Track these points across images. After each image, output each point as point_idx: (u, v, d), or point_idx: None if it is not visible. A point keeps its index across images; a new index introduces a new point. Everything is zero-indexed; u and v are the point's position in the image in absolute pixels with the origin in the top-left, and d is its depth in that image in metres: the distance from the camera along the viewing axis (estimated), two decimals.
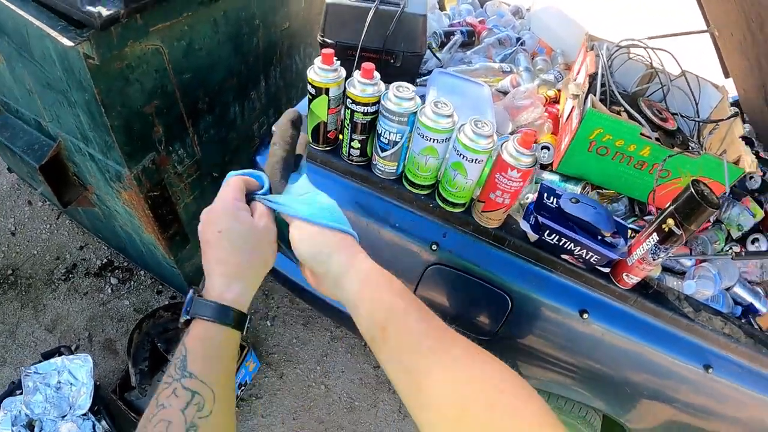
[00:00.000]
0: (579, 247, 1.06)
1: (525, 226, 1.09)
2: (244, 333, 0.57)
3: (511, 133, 1.31)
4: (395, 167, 1.16)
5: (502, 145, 1.02)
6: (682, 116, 1.30)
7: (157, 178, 1.53)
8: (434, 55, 1.51)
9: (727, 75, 1.72)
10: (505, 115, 1.30)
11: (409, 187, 1.16)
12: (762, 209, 1.45)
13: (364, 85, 1.07)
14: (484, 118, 1.05)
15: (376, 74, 1.09)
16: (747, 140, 1.75)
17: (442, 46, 1.61)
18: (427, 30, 1.68)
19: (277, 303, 1.98)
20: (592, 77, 1.21)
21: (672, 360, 1.27)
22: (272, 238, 0.61)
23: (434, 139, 1.05)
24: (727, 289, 1.35)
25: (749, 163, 1.23)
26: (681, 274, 1.29)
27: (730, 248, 1.41)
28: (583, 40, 1.34)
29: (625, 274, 1.11)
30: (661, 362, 1.27)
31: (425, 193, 1.16)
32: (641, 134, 1.15)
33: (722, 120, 1.29)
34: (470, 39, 1.67)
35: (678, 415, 1.37)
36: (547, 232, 1.06)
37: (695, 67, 1.46)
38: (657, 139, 1.19)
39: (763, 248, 1.44)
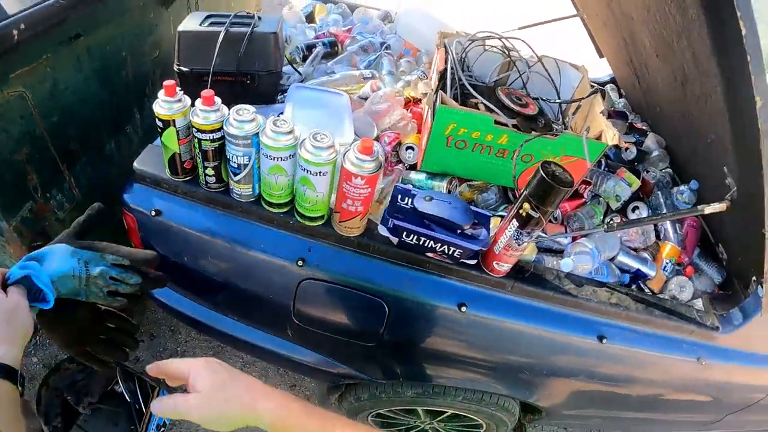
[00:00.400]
0: (440, 244, 1.06)
1: (383, 230, 1.08)
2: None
3: (376, 139, 1.30)
4: (250, 189, 1.14)
5: (344, 155, 1.01)
6: (543, 100, 1.32)
7: (39, 227, 1.46)
8: (295, 69, 1.50)
9: (601, 55, 1.77)
10: (369, 121, 1.30)
11: (267, 207, 1.14)
12: (639, 178, 1.49)
13: (206, 112, 1.05)
14: (324, 129, 1.04)
15: (217, 100, 1.06)
16: (620, 113, 1.81)
17: (306, 59, 1.60)
18: (290, 44, 1.68)
19: (185, 337, 1.94)
20: (442, 73, 1.21)
21: (565, 336, 1.29)
22: (25, 311, 0.67)
23: (278, 158, 1.04)
24: (612, 260, 1.38)
25: (611, 137, 1.26)
26: (560, 252, 1.31)
27: (611, 219, 1.44)
28: (437, 38, 1.35)
29: (495, 262, 1.12)
30: (554, 340, 1.29)
31: (284, 210, 1.14)
32: (496, 123, 1.15)
33: (582, 99, 1.31)
34: (333, 49, 1.67)
35: (583, 385, 1.39)
36: (405, 233, 1.06)
37: (577, 51, 1.50)
38: (515, 126, 1.21)
39: (644, 215, 1.48)
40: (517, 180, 1.23)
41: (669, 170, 1.68)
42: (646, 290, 1.40)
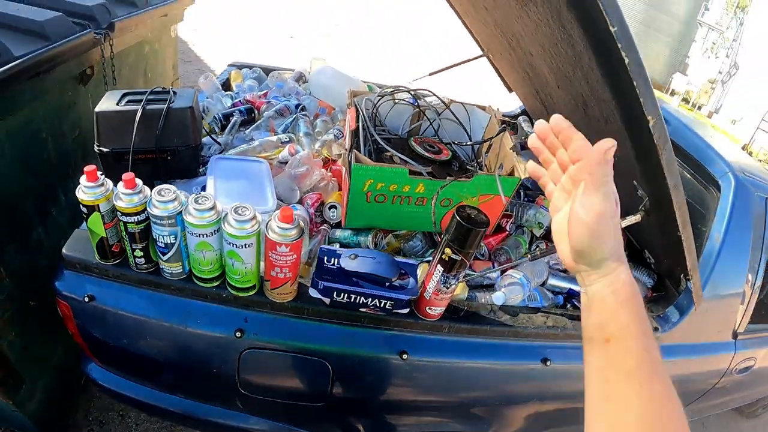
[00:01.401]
0: (370, 299, 1.10)
1: (314, 293, 1.11)
2: None
3: (299, 202, 1.34)
4: (180, 267, 1.14)
5: (266, 225, 1.04)
6: (455, 143, 1.40)
7: None
8: (214, 140, 1.52)
9: (510, 90, 1.90)
10: (291, 185, 1.34)
11: (199, 283, 1.14)
12: None
13: (128, 195, 1.05)
14: (247, 199, 1.07)
15: (139, 182, 1.07)
16: None
17: (224, 128, 1.64)
18: (208, 115, 1.71)
19: (135, 421, 1.86)
20: (355, 132, 1.27)
21: (510, 365, 1.35)
22: None
23: (203, 234, 1.05)
24: (543, 284, 1.46)
25: (523, 170, 1.35)
26: (491, 286, 1.37)
27: (536, 247, 1.53)
28: (347, 97, 1.42)
29: (427, 307, 1.16)
30: (501, 371, 1.34)
31: (215, 284, 1.15)
32: (411, 173, 1.22)
33: (491, 138, 1.41)
34: (250, 116, 1.71)
35: (536, 408, 1.44)
36: (335, 293, 1.09)
37: (491, 88, 1.58)
38: (430, 173, 1.28)
39: None
40: (438, 225, 1.29)
41: None
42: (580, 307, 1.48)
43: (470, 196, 1.31)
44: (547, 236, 1.57)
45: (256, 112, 1.72)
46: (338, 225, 1.34)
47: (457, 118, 1.41)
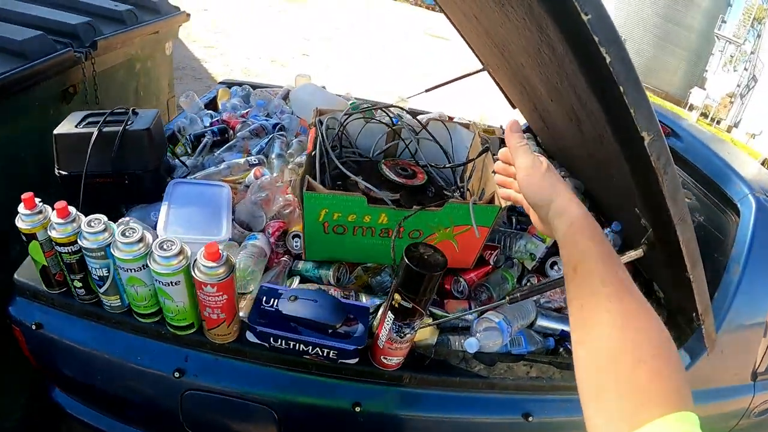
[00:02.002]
0: (311, 347, 0.98)
1: (251, 337, 1.01)
2: None
3: (262, 231, 1.24)
4: (119, 300, 1.07)
5: (194, 263, 0.94)
6: (431, 166, 1.26)
7: None
8: (182, 163, 1.45)
9: (513, 106, 1.73)
10: (255, 212, 1.24)
11: (138, 318, 1.07)
12: None
13: (61, 225, 0.99)
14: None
15: (72, 210, 1.01)
16: None
17: (195, 149, 1.57)
18: (184, 135, 1.64)
19: None
20: (312, 156, 1.16)
21: (484, 420, 1.19)
22: None
23: (132, 269, 0.97)
24: (531, 326, 1.29)
25: (504, 200, 1.19)
26: (467, 329, 1.22)
27: (528, 281, 1.36)
28: (312, 116, 1.30)
29: (382, 356, 1.03)
30: (473, 425, 1.19)
31: (154, 320, 1.07)
32: (370, 202, 1.09)
33: (472, 160, 1.26)
34: (224, 136, 1.63)
35: None
36: (272, 338, 0.98)
37: (493, 106, 1.44)
38: (395, 201, 1.15)
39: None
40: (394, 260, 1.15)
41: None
42: None
43: (443, 227, 1.16)
44: (540, 269, 1.39)
45: (231, 132, 1.65)
46: (300, 256, 1.23)
47: (433, 137, 1.27)
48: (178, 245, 0.95)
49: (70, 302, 1.13)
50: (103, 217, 1.01)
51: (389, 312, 0.96)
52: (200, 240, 1.16)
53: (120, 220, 1.08)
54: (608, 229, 1.47)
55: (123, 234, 0.96)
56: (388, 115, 1.30)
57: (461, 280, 1.26)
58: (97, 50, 1.69)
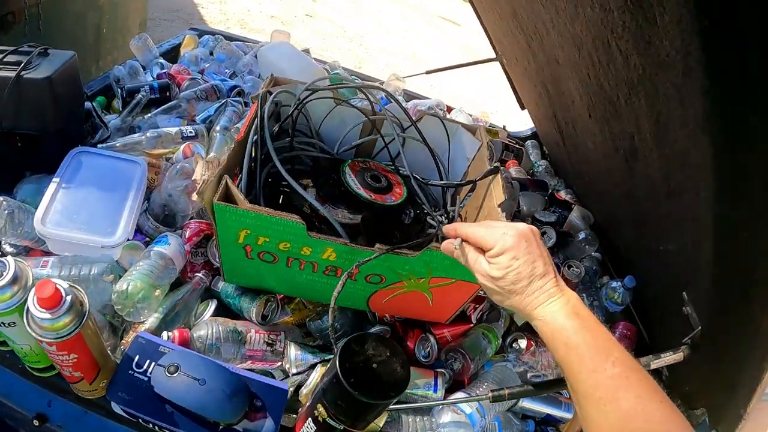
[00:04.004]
0: None
1: (116, 408, 0.67)
2: None
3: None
4: None
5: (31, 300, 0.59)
6: (415, 178, 0.91)
7: None
8: (103, 124, 1.09)
9: (522, 106, 1.39)
10: (179, 203, 0.90)
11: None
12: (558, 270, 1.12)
13: None
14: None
15: None
16: (539, 183, 1.42)
17: (125, 106, 1.20)
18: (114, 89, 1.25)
19: None
20: (242, 145, 0.80)
21: None
22: None
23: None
24: (509, 409, 1.00)
25: None
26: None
27: (514, 341, 1.05)
28: (262, 86, 0.91)
29: None
30: None
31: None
32: (310, 231, 0.73)
33: (472, 182, 0.92)
34: (164, 94, 1.25)
35: None
36: (140, 419, 0.65)
37: (498, 103, 1.11)
38: (354, 229, 0.81)
39: None
40: (365, 304, 0.83)
41: (598, 255, 1.32)
42: None
43: (416, 276, 0.82)
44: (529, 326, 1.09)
45: (175, 89, 1.26)
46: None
47: (424, 139, 0.92)
48: (11, 269, 0.59)
49: None
50: None
51: (309, 420, 0.65)
52: (86, 241, 0.85)
53: None
54: (619, 282, 1.19)
55: None
56: (369, 99, 0.93)
57: (430, 338, 0.94)
58: None
